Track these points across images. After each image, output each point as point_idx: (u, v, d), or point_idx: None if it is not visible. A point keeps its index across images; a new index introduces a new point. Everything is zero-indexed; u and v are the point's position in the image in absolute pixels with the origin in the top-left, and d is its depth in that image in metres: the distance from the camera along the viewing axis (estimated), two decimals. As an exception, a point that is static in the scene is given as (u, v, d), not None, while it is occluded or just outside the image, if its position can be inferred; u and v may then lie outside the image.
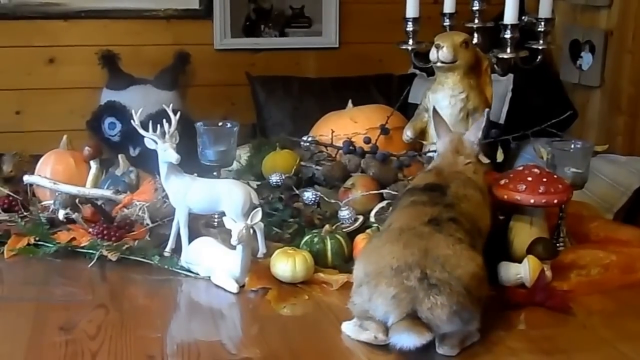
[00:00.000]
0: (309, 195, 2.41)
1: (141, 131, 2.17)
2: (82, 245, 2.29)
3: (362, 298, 1.79)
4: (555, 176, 2.18)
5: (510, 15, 2.61)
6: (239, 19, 4.78)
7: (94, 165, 2.58)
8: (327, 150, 2.68)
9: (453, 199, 1.95)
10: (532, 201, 2.12)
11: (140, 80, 4.43)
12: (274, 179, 2.49)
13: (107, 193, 2.47)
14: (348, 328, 1.86)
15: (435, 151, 2.24)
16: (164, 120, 2.17)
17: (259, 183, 2.56)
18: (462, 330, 1.76)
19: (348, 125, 2.73)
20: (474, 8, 2.87)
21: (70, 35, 4.53)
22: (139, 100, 4.07)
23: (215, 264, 2.11)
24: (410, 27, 2.85)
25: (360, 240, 2.21)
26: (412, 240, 1.80)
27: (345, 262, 2.20)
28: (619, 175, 3.44)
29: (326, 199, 2.42)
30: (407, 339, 1.69)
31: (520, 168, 2.21)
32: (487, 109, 2.43)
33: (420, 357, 1.77)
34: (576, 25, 4.36)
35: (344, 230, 2.29)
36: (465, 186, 2.02)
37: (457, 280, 1.73)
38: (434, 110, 2.23)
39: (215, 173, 2.44)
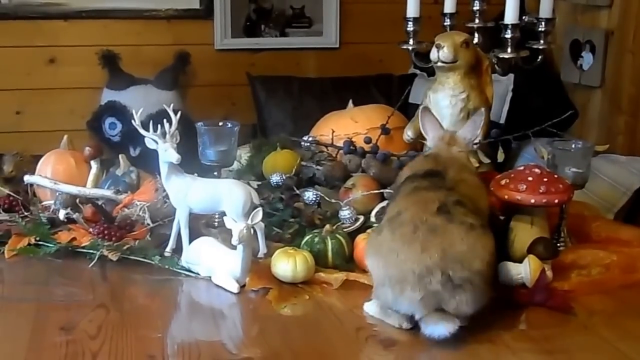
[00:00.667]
0: (309, 195, 2.41)
1: (142, 131, 2.17)
2: (82, 245, 2.28)
3: (386, 297, 1.86)
4: (556, 176, 2.18)
5: (510, 15, 2.61)
6: (239, 19, 4.77)
7: (94, 165, 2.58)
8: (327, 150, 2.68)
9: (452, 182, 1.97)
10: (532, 201, 2.11)
11: (140, 80, 4.43)
12: (275, 179, 2.49)
13: (108, 193, 2.46)
14: (371, 308, 1.93)
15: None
16: (165, 120, 2.17)
17: (259, 183, 2.56)
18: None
19: (349, 125, 2.73)
20: (475, 8, 2.87)
21: (71, 35, 4.53)
22: (139, 100, 4.07)
23: (215, 264, 2.11)
24: (410, 27, 2.85)
25: (361, 240, 2.20)
26: (427, 240, 1.82)
27: (346, 262, 2.20)
28: (620, 175, 3.44)
29: (327, 199, 2.42)
30: (440, 329, 1.78)
31: (521, 168, 2.21)
32: (483, 108, 2.43)
33: (423, 356, 1.78)
34: (577, 25, 4.36)
35: (344, 230, 2.29)
36: (461, 171, 2.03)
37: (476, 275, 1.80)
38: (425, 108, 2.22)
39: (215, 173, 2.44)
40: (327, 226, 2.25)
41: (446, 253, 1.79)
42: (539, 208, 2.15)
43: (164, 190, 2.28)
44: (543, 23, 2.68)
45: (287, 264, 2.10)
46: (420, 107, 2.23)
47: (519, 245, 2.13)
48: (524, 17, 2.75)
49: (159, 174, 2.24)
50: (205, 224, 2.42)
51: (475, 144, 2.47)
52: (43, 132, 4.36)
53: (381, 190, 2.41)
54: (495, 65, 2.71)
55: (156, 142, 2.16)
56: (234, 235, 2.00)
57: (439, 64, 2.53)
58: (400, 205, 1.94)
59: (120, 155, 2.59)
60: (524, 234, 2.15)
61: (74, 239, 2.31)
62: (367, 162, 2.53)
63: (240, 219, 2.07)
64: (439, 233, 1.82)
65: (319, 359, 1.80)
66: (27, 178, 2.54)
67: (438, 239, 1.81)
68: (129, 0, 4.54)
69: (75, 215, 2.41)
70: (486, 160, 2.54)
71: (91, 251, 2.25)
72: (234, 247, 2.04)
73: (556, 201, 2.13)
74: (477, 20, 2.86)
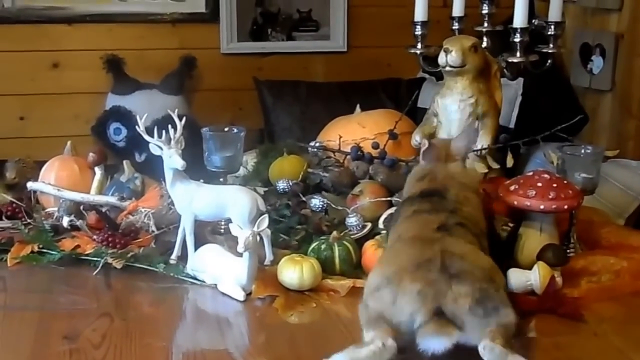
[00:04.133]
0: (316, 202, 2.39)
1: (146, 137, 2.15)
2: (86, 252, 2.27)
3: (382, 302, 1.72)
4: (565, 182, 2.17)
5: (519, 18, 2.59)
6: (245, 23, 4.77)
7: (98, 171, 2.56)
8: (335, 156, 2.66)
9: (455, 203, 1.96)
10: (542, 207, 2.10)
11: (145, 85, 4.43)
12: (281, 185, 2.48)
13: (112, 200, 2.45)
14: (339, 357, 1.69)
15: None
16: (170, 126, 2.16)
17: (266, 189, 2.55)
18: (496, 321, 1.68)
19: (356, 131, 2.71)
20: (483, 11, 2.85)
21: (75, 40, 4.53)
22: (144, 105, 4.06)
23: (221, 271, 2.09)
24: (419, 30, 2.83)
25: (368, 247, 2.19)
26: (427, 244, 1.79)
27: (353, 269, 2.18)
28: (630, 180, 3.42)
29: (334, 206, 2.40)
30: (437, 342, 1.65)
31: (530, 173, 2.19)
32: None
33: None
34: (586, 29, 4.35)
35: (352, 237, 2.27)
36: (463, 189, 2.02)
37: (478, 270, 1.73)
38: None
39: (221, 179, 2.42)
40: (335, 233, 2.23)
41: (445, 251, 1.75)
42: (549, 214, 2.13)
43: (169, 197, 2.27)
44: (552, 26, 2.66)
45: (294, 272, 2.09)
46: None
47: (528, 252, 2.13)
48: (533, 21, 2.73)
49: (164, 181, 2.22)
50: (211, 231, 2.40)
51: (485, 149, 2.47)
52: (47, 138, 4.36)
53: (389, 198, 2.39)
54: (504, 70, 2.69)
55: (161, 148, 2.15)
56: (240, 242, 1.98)
57: (447, 68, 2.51)
58: (400, 230, 1.95)
59: (124, 161, 2.58)
60: (533, 240, 2.14)
61: (77, 246, 2.30)
62: (375, 168, 2.52)
63: (246, 226, 2.05)
64: (438, 241, 1.80)
65: (325, 368, 1.78)
66: (30, 185, 2.53)
67: (437, 244, 1.79)
68: (133, 4, 4.55)
69: (79, 223, 2.40)
70: (495, 166, 2.53)
71: (95, 259, 2.23)
72: (240, 255, 2.03)
73: (566, 207, 2.12)
74: (485, 24, 2.85)
